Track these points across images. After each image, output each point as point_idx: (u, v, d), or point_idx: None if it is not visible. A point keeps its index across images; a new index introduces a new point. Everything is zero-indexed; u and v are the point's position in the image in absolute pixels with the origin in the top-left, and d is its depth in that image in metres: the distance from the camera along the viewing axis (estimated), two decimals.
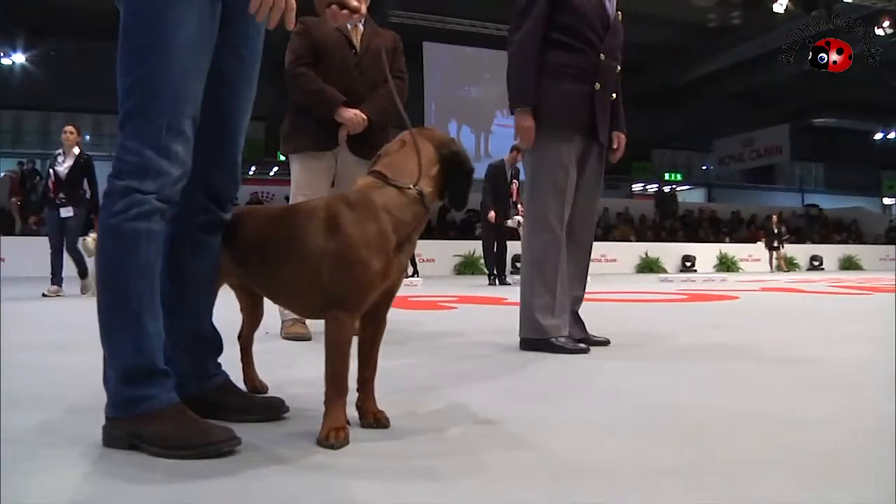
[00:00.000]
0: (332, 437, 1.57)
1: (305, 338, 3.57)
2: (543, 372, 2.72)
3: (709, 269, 18.92)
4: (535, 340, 3.18)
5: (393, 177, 1.71)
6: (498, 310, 6.21)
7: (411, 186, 1.70)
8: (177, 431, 1.51)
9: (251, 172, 25.29)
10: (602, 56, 3.29)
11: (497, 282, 10.76)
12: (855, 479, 1.41)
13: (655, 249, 19.27)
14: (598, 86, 3.28)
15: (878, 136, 31.41)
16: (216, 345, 1.87)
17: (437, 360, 3.02)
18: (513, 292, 8.23)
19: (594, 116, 3.29)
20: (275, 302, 2.01)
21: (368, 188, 1.70)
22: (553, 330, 3.16)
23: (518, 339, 3.31)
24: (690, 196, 30.14)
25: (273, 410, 1.85)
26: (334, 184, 3.90)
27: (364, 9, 1.88)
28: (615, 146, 3.52)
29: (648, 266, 18.65)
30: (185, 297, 1.77)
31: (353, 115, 3.68)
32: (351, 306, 1.64)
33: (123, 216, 1.54)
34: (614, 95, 3.42)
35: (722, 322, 4.98)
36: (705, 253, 19.73)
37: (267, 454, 1.54)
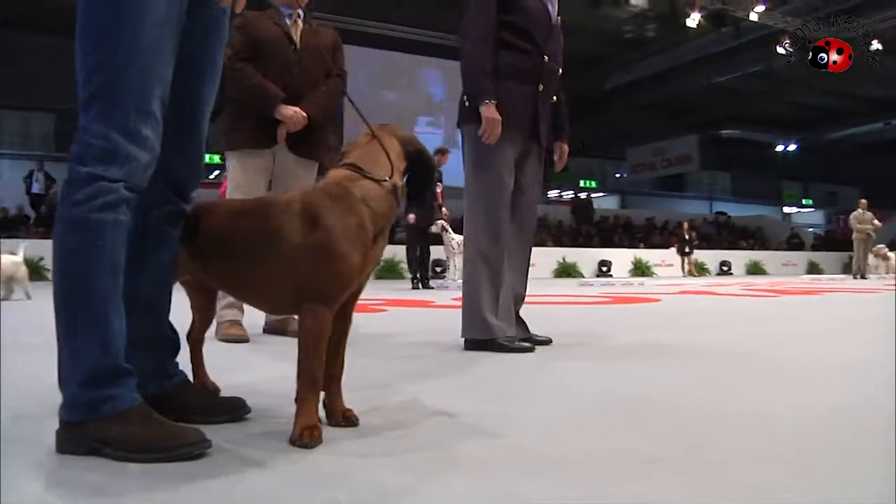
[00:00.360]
0: (305, 436, 1.52)
1: (243, 339, 3.47)
2: (495, 370, 2.73)
3: (624, 274, 19.44)
4: (480, 341, 3.17)
5: (367, 169, 1.68)
6: (428, 312, 6.18)
7: (387, 179, 1.69)
8: (143, 434, 1.42)
9: None
10: (546, 58, 3.32)
11: (420, 286, 10.75)
12: (827, 465, 1.46)
13: (572, 255, 19.64)
14: (541, 87, 3.32)
15: (779, 148, 33.13)
16: (175, 343, 1.78)
17: (386, 360, 2.98)
18: (438, 296, 8.32)
19: (536, 118, 3.33)
20: (239, 299, 1.94)
21: (346, 179, 1.66)
22: (499, 330, 3.17)
23: (459, 340, 3.30)
24: (604, 203, 30.91)
25: (236, 410, 1.77)
26: (272, 183, 3.81)
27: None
28: (557, 156, 3.56)
29: (566, 271, 18.99)
30: (145, 293, 1.67)
31: (292, 113, 3.60)
32: (329, 300, 1.59)
33: (87, 206, 1.44)
34: (555, 98, 3.46)
35: (651, 322, 5.12)
36: (621, 258, 20.25)
37: (239, 456, 1.48)
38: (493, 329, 3.16)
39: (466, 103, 3.27)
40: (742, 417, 1.89)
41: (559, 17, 3.46)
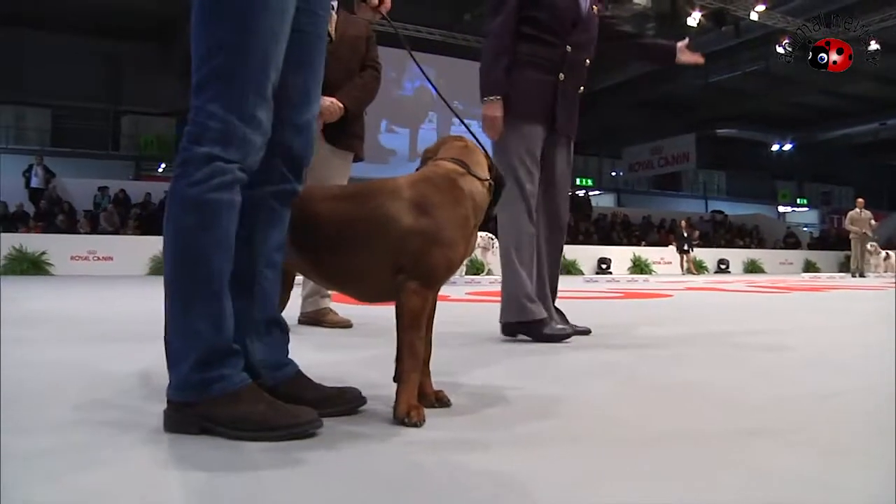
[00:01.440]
0: (413, 415, 1.55)
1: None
2: (539, 356, 2.75)
3: (624, 271, 19.50)
4: (519, 324, 3.21)
5: (472, 167, 1.76)
6: (449, 306, 6.19)
7: (488, 178, 1.78)
8: (255, 412, 1.43)
9: (160, 170, 24.42)
10: (569, 48, 3.31)
11: None
12: None
13: (571, 252, 19.68)
14: (562, 76, 3.31)
15: (774, 147, 33.26)
16: (285, 330, 1.73)
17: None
18: (452, 290, 8.32)
19: (554, 106, 3.31)
20: (332, 286, 1.96)
21: (453, 172, 1.72)
22: (537, 312, 3.18)
23: (495, 331, 3.35)
24: (601, 201, 30.99)
25: (349, 403, 1.69)
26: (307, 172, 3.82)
27: (388, 4, 1.92)
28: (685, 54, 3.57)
29: (566, 267, 19.04)
30: (262, 276, 1.64)
31: (329, 104, 3.62)
32: (435, 283, 1.66)
33: (205, 186, 1.45)
34: (582, 88, 3.45)
35: (674, 315, 5.16)
36: (620, 255, 20.30)
37: (353, 435, 1.48)
38: (531, 311, 3.18)
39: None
40: (810, 399, 1.92)
41: (594, 8, 3.44)
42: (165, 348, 1.49)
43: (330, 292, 3.75)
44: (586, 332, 3.42)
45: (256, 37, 1.48)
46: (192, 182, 1.45)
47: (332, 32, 3.77)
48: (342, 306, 4.19)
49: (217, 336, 1.45)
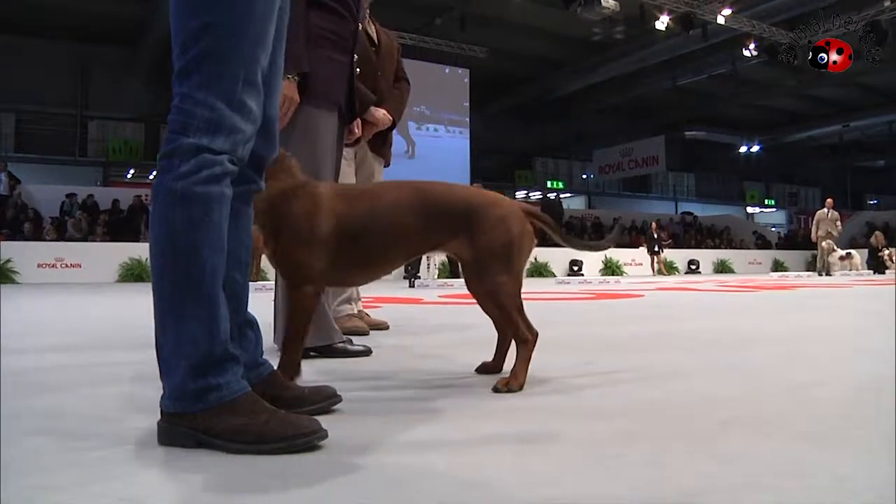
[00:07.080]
0: None
1: (363, 332, 3.46)
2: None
3: (595, 273, 19.62)
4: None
5: None
6: (423, 308, 6.19)
7: None
8: (255, 424, 1.33)
9: (129, 176, 24.12)
10: (360, 25, 2.93)
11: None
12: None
13: (543, 254, 19.76)
14: (356, 57, 2.93)
15: (742, 149, 33.75)
16: (258, 331, 1.68)
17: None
18: (423, 293, 8.35)
19: (352, 90, 2.91)
20: None
21: None
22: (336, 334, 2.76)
23: (461, 333, 3.32)
24: (571, 203, 31.18)
25: (326, 401, 1.66)
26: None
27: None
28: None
29: (538, 270, 19.13)
30: (231, 278, 1.55)
31: (382, 115, 3.48)
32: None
33: (194, 178, 1.35)
34: (358, 70, 3.03)
35: (644, 314, 5.19)
36: (591, 257, 20.41)
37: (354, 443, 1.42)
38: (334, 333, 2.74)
39: None
40: (782, 391, 1.96)
41: None
42: (157, 355, 1.40)
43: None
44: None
45: (245, 17, 1.39)
46: (178, 175, 1.35)
47: (377, 41, 3.79)
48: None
49: (212, 341, 1.36)
